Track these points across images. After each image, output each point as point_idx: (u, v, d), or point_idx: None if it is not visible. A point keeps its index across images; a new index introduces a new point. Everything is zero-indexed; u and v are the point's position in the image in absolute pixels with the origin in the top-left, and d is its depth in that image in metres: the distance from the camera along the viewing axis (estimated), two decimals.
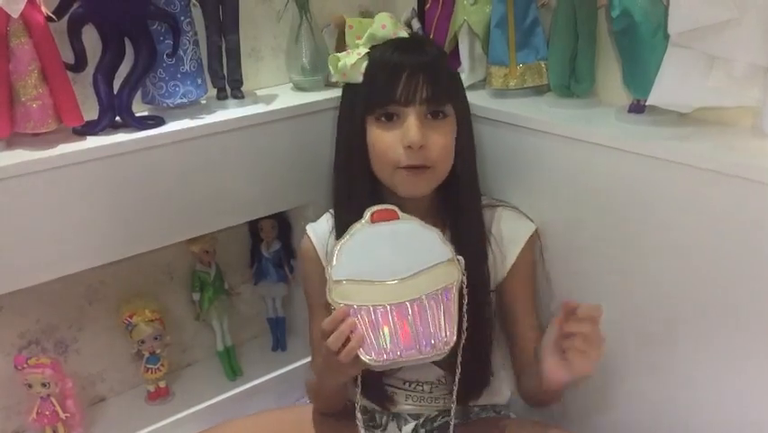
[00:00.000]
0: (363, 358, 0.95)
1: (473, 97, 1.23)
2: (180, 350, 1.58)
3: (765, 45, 0.93)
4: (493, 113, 1.23)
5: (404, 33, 1.12)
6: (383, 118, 1.08)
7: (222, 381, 1.53)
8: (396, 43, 1.10)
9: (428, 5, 1.42)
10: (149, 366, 1.45)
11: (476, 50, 1.35)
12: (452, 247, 1.01)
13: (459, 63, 1.35)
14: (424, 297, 0.97)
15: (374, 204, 1.10)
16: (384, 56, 1.09)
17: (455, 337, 0.97)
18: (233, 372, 1.55)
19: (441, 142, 1.09)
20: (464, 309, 1.00)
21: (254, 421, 1.25)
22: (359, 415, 1.09)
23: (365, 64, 1.09)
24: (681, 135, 1.03)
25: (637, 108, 1.11)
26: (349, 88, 1.13)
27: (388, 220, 1.00)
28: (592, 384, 1.20)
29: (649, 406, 1.12)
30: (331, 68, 1.13)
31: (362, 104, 1.10)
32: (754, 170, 0.90)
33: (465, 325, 1.00)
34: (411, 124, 1.06)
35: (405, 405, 1.21)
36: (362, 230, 1.00)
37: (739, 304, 0.96)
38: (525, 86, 1.28)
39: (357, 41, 1.12)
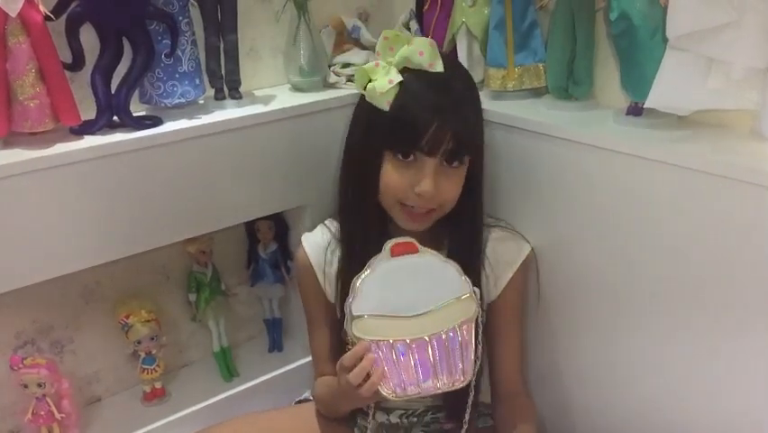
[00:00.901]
0: (383, 393, 0.98)
1: None
2: (176, 351, 1.57)
3: (764, 48, 0.94)
4: (491, 115, 1.23)
5: (439, 66, 1.07)
6: (400, 156, 1.07)
7: (218, 382, 1.52)
8: (430, 83, 1.07)
9: (426, 7, 1.42)
10: (145, 367, 1.44)
11: (474, 51, 1.35)
12: (470, 280, 1.02)
13: None
14: (443, 332, 0.99)
15: (381, 225, 1.13)
16: (416, 97, 1.05)
17: (473, 370, 1.01)
18: (230, 373, 1.54)
19: (451, 190, 1.09)
20: (479, 338, 1.02)
21: (250, 421, 1.26)
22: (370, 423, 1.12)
23: (395, 94, 1.05)
24: (680, 138, 1.04)
25: (635, 111, 1.11)
26: (371, 106, 1.08)
27: (408, 253, 1.01)
28: (592, 386, 1.21)
29: (652, 408, 1.13)
30: (357, 81, 1.10)
31: (383, 135, 1.08)
32: (753, 173, 0.91)
33: (479, 352, 1.03)
34: (427, 174, 1.05)
35: (394, 402, 1.22)
36: (382, 264, 1.00)
37: (738, 305, 0.96)
38: (523, 88, 1.28)
39: (389, 58, 1.07)
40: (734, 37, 0.94)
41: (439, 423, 1.23)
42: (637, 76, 1.08)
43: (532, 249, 1.20)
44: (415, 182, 1.06)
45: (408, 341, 0.98)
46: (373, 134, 1.09)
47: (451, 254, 1.14)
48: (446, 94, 1.07)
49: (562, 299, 1.21)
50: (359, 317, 0.98)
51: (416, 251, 1.01)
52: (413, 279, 1.00)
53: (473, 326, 1.01)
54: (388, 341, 0.98)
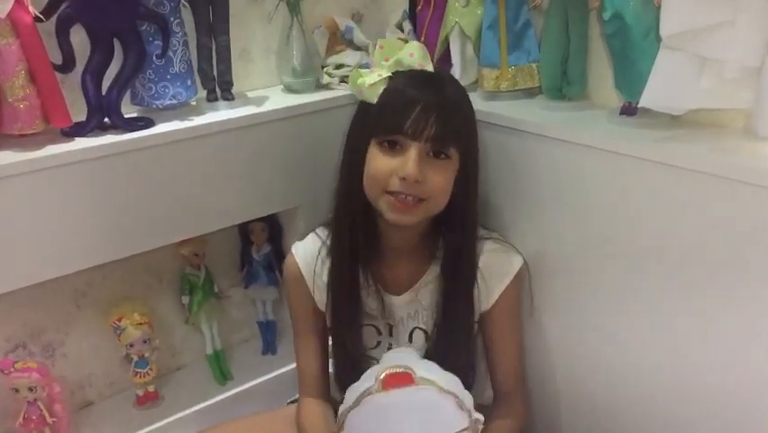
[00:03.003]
0: None
1: None
2: (169, 354, 1.57)
3: (757, 47, 0.93)
4: (484, 115, 1.22)
5: (429, 66, 1.10)
6: (386, 144, 1.07)
7: (211, 385, 1.52)
8: (417, 75, 1.09)
9: (419, 7, 1.42)
10: (137, 370, 1.44)
11: (467, 52, 1.34)
12: (470, 412, 0.96)
13: (450, 65, 1.35)
14: None
15: (366, 223, 1.11)
16: (403, 85, 1.08)
17: None
18: (223, 376, 1.54)
19: (437, 181, 1.07)
20: None
21: (245, 424, 1.25)
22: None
23: (383, 87, 1.07)
24: (673, 137, 1.03)
25: (629, 110, 1.11)
26: (362, 106, 1.12)
27: (403, 385, 0.93)
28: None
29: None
30: (350, 82, 1.11)
31: (371, 125, 1.09)
32: (746, 172, 0.90)
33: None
34: (411, 157, 1.04)
35: None
36: (373, 399, 0.94)
37: (734, 303, 0.96)
38: (516, 88, 1.28)
39: (383, 62, 1.10)
40: (727, 36, 0.94)
41: None
42: (631, 75, 1.08)
43: (524, 262, 1.19)
44: (399, 168, 1.05)
45: None
46: (362, 126, 1.11)
47: (444, 265, 1.15)
48: (432, 84, 1.08)
49: (556, 299, 1.21)
50: None
51: (411, 382, 0.93)
52: (407, 415, 0.93)
53: None
54: None
